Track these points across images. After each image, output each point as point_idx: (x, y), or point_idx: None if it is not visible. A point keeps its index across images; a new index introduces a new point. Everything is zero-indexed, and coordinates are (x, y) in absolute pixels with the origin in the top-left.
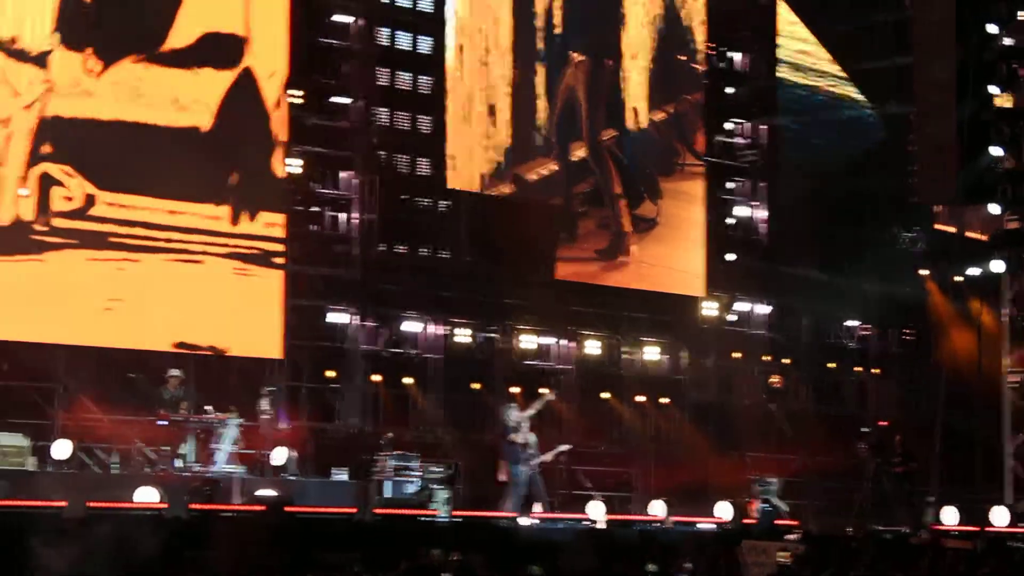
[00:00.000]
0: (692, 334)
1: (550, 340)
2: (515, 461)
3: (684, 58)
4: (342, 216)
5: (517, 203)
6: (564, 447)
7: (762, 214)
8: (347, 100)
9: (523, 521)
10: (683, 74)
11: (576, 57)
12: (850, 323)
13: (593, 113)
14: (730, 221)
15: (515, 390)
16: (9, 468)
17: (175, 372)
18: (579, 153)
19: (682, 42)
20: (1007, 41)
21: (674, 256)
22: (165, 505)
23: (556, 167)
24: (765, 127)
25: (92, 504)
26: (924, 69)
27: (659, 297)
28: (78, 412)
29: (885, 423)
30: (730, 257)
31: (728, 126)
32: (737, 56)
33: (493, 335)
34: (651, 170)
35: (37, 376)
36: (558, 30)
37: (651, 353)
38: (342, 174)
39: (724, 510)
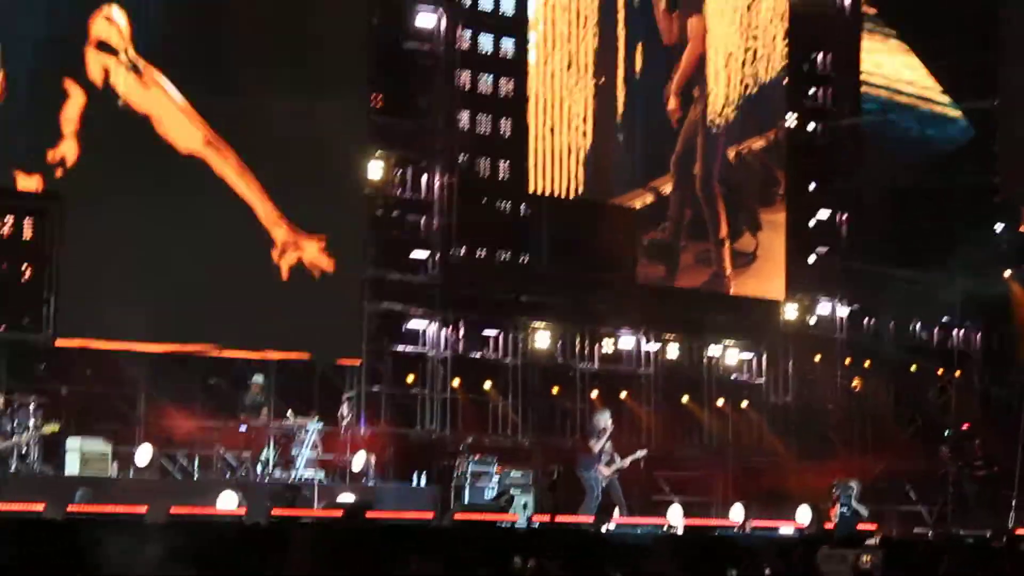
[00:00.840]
0: (772, 337)
1: (630, 344)
2: (588, 467)
3: (769, 79)
4: (422, 220)
5: (597, 205)
6: (641, 452)
7: (844, 215)
8: (427, 103)
9: (602, 527)
10: (775, 98)
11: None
12: (932, 324)
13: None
14: (811, 223)
15: (594, 394)
16: (92, 474)
17: (257, 378)
18: (666, 188)
19: (769, 63)
20: None
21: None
22: (245, 511)
23: (651, 198)
24: (847, 126)
25: (174, 510)
26: (1009, 66)
27: (739, 300)
28: (160, 418)
29: (967, 426)
30: (812, 259)
31: (811, 127)
32: (819, 56)
33: (572, 339)
34: (751, 202)
35: (119, 382)
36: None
37: (731, 357)
38: (422, 178)
39: (804, 515)
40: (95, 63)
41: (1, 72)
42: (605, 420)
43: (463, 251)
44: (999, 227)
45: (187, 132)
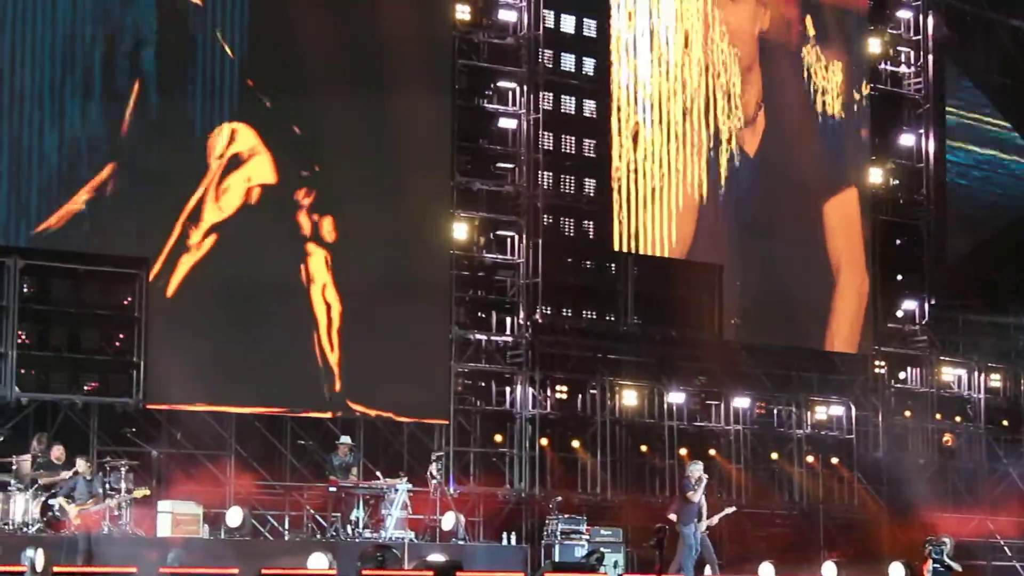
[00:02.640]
0: (862, 392)
1: (718, 400)
2: (688, 521)
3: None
4: (508, 281)
5: (681, 263)
6: (730, 509)
7: (930, 270)
8: (511, 164)
9: None
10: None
11: None
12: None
13: None
14: (899, 277)
15: (683, 451)
16: (183, 535)
17: (345, 439)
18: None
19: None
20: None
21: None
22: (335, 571)
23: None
24: (932, 182)
25: (265, 571)
26: None
27: (828, 356)
28: (250, 479)
29: None
30: (899, 313)
31: (895, 182)
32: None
33: (660, 397)
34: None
35: (209, 444)
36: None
37: (821, 412)
38: (507, 238)
39: (897, 572)
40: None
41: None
42: (699, 470)
43: (549, 309)
44: None
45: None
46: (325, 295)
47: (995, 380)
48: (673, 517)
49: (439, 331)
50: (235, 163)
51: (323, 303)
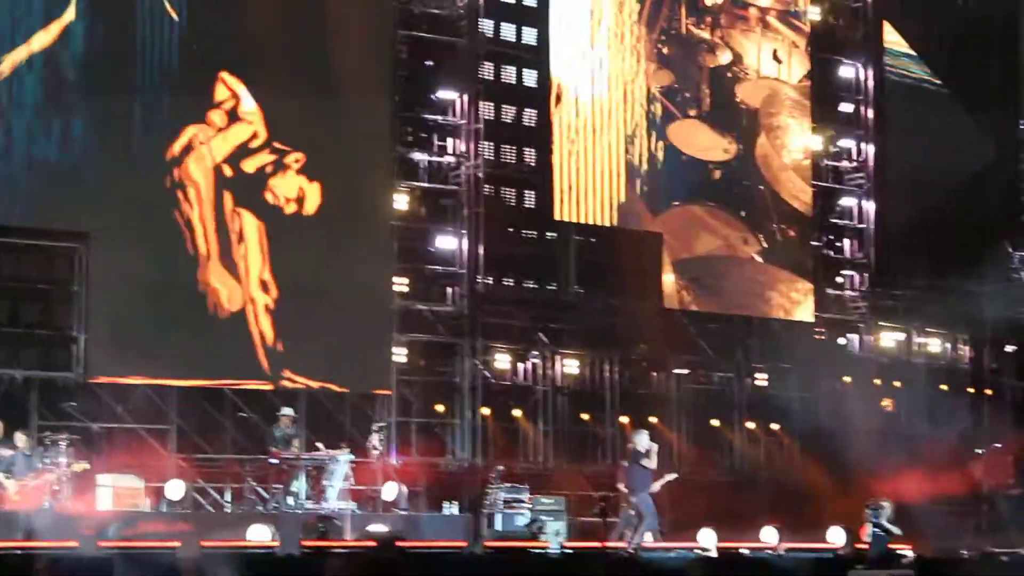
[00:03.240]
0: (802, 359)
1: (660, 367)
2: (643, 489)
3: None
4: (449, 251)
5: (622, 232)
6: (671, 476)
7: (870, 235)
8: (452, 134)
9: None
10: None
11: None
12: (962, 344)
13: None
14: (839, 244)
15: (624, 419)
16: (124, 509)
17: (287, 411)
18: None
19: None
20: None
21: (784, 282)
22: (278, 543)
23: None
24: (872, 149)
25: (206, 543)
26: None
27: (768, 322)
28: (191, 452)
29: (999, 444)
30: (840, 280)
31: (835, 148)
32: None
33: (601, 365)
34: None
35: (150, 417)
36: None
37: (761, 379)
38: (448, 209)
39: (837, 536)
40: None
41: None
42: (646, 439)
43: (490, 280)
44: None
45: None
46: (264, 266)
47: (934, 345)
48: (623, 487)
49: (380, 302)
50: None
51: (261, 274)
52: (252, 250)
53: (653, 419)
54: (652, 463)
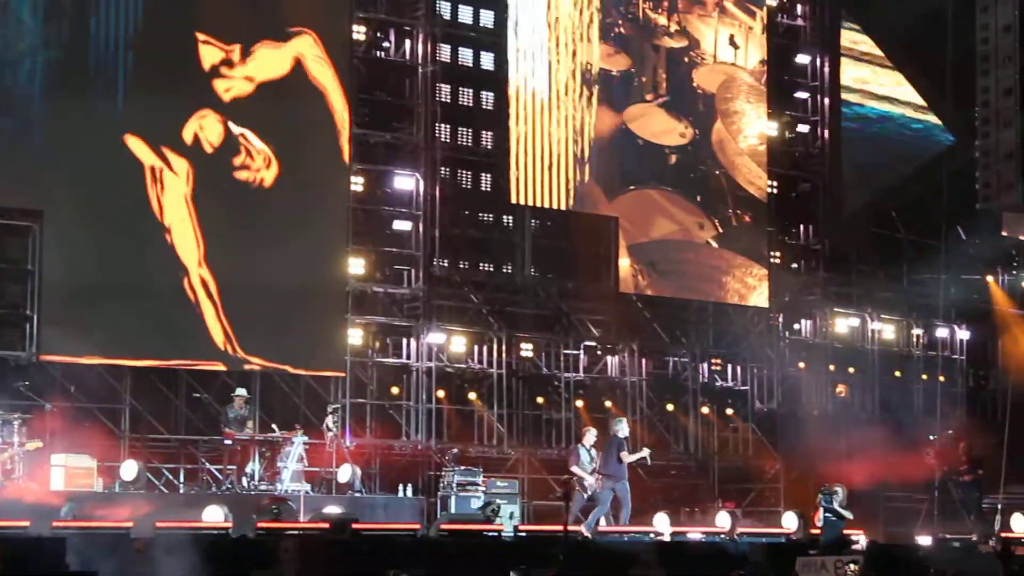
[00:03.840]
0: (757, 344)
1: (615, 352)
2: (623, 477)
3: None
4: (405, 233)
5: (578, 216)
6: (645, 451)
7: (825, 222)
8: (409, 117)
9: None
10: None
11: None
12: (916, 330)
13: None
14: (794, 230)
15: (579, 403)
16: (77, 489)
17: (240, 391)
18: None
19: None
20: None
21: (739, 268)
22: (231, 524)
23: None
24: (828, 135)
25: (160, 524)
26: (988, 75)
27: (723, 307)
28: (145, 433)
29: (951, 430)
30: (795, 266)
31: (791, 135)
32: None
33: (557, 349)
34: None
35: (104, 397)
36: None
37: (716, 364)
38: (404, 191)
39: (790, 521)
40: None
41: None
42: (626, 428)
43: (446, 262)
44: (981, 233)
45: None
46: (219, 246)
47: (888, 332)
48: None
49: (336, 283)
50: None
51: (216, 254)
52: (207, 229)
53: (608, 403)
54: (629, 456)
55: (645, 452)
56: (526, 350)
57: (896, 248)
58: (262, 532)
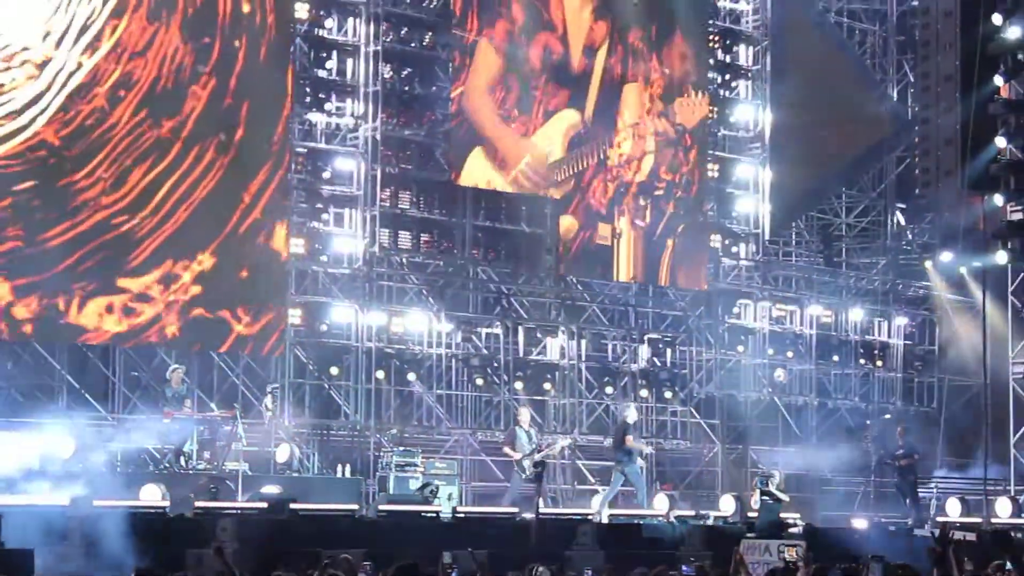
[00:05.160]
0: (696, 328)
1: (554, 334)
2: (633, 461)
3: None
4: (347, 213)
5: (520, 197)
6: (567, 440)
7: (765, 207)
8: (352, 96)
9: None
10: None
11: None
12: (854, 315)
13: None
14: (734, 214)
15: (518, 385)
16: (16, 467)
17: (177, 367)
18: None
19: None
20: (1013, 32)
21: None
22: (168, 503)
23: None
24: (769, 119)
25: (97, 503)
26: (929, 61)
27: (663, 291)
28: (82, 411)
29: (888, 416)
30: (735, 250)
31: (733, 119)
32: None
33: (496, 331)
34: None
35: (40, 375)
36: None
37: (655, 347)
38: (347, 170)
39: (728, 504)
40: None
41: None
42: (635, 413)
43: (388, 243)
44: (920, 219)
45: None
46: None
47: (826, 316)
48: (509, 452)
49: (276, 261)
50: None
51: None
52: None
53: (547, 386)
54: (636, 441)
55: (649, 449)
56: (466, 332)
57: (835, 233)
58: (200, 512)
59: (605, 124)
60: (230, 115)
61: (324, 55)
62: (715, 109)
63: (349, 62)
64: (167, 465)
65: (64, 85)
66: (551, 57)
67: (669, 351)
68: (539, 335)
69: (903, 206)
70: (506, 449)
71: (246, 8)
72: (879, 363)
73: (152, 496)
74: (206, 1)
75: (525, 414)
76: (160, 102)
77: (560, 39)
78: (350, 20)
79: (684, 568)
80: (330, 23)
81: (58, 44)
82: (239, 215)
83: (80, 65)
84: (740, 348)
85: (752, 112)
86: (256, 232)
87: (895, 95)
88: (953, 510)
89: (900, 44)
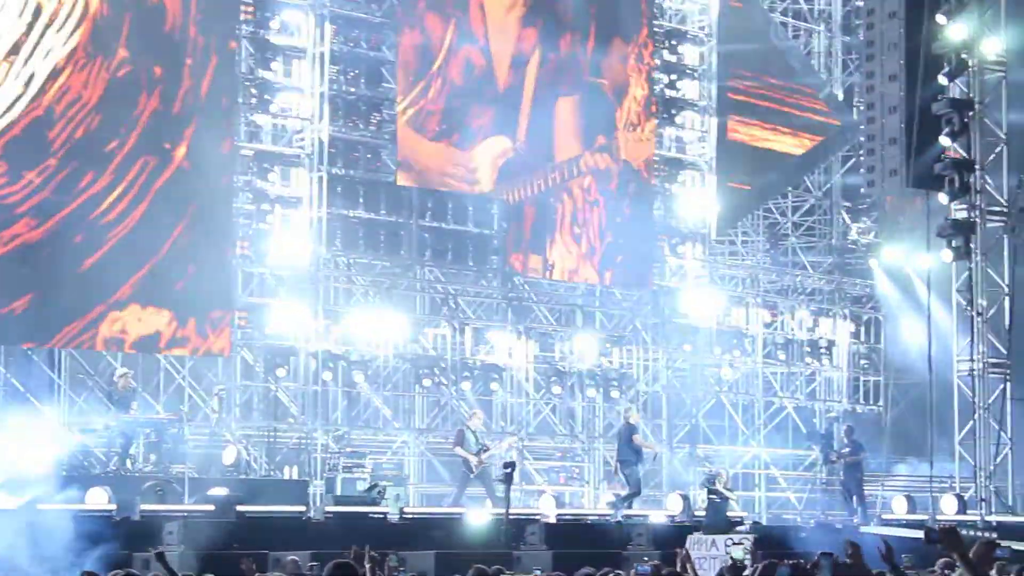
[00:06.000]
0: (643, 327)
1: (502, 336)
2: (639, 462)
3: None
4: (294, 214)
5: (468, 198)
6: (510, 439)
7: (710, 207)
8: (298, 99)
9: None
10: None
11: None
12: (800, 314)
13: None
14: (680, 215)
15: (466, 386)
16: None
17: (122, 369)
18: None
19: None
20: (956, 31)
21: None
22: (115, 506)
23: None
24: (714, 122)
25: (43, 507)
26: (874, 61)
27: (609, 291)
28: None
29: (834, 414)
30: (681, 251)
31: (679, 120)
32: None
33: (444, 332)
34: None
35: None
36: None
37: (602, 347)
38: (293, 172)
39: (674, 503)
40: None
41: None
42: (637, 416)
43: (336, 244)
44: (865, 219)
45: None
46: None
47: (772, 316)
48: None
49: (223, 263)
50: None
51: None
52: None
53: (494, 386)
54: (646, 442)
55: (658, 448)
56: (414, 332)
57: (781, 231)
58: (146, 514)
59: (539, 150)
60: (174, 129)
61: (270, 56)
62: (662, 132)
63: (295, 64)
64: (113, 468)
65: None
66: (473, 73)
67: (616, 351)
68: (486, 336)
69: (848, 205)
70: (457, 449)
71: (192, 30)
72: (825, 361)
73: (98, 499)
74: (151, 20)
75: (476, 420)
76: (105, 116)
77: (482, 51)
78: (297, 22)
79: (639, 567)
80: (276, 24)
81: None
82: (188, 220)
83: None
84: (687, 347)
85: (698, 114)
86: (201, 235)
87: (841, 95)
88: (899, 508)
89: (845, 44)
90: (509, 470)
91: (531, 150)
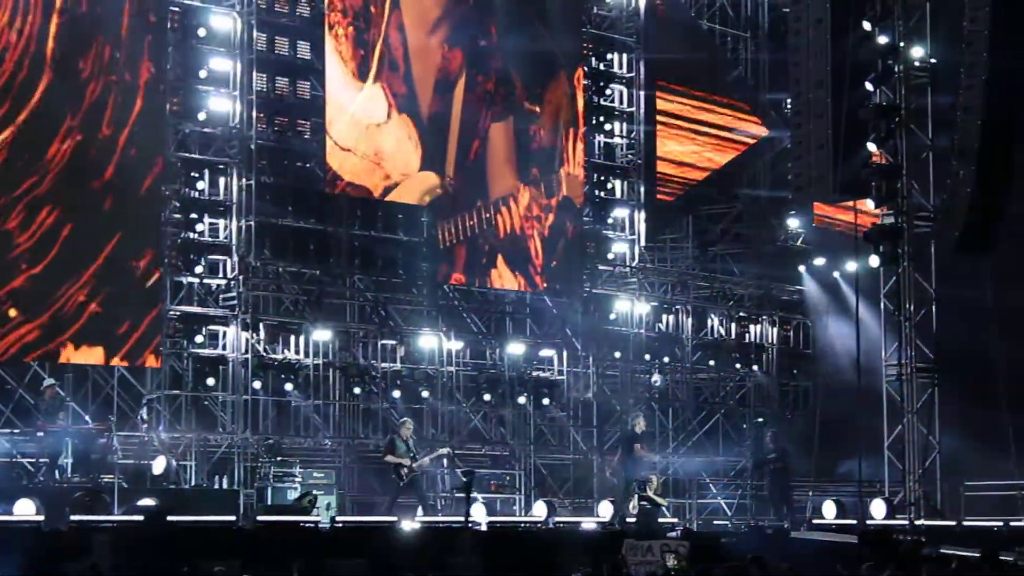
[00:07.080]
0: (574, 333)
1: (432, 343)
2: (642, 469)
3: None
4: (221, 223)
5: (397, 206)
6: (444, 450)
7: (640, 213)
8: (225, 105)
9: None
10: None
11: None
12: (730, 320)
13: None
14: (610, 220)
15: (396, 394)
16: None
17: (49, 381)
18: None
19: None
20: (882, 38)
21: (555, 257)
22: (43, 518)
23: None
24: (643, 129)
25: None
26: (801, 67)
27: (539, 297)
28: None
29: (762, 420)
30: (610, 255)
31: (608, 126)
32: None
33: (374, 340)
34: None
35: None
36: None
37: (532, 354)
38: (221, 180)
39: (606, 510)
40: None
41: None
42: (643, 423)
43: (265, 253)
44: (793, 223)
45: None
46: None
47: (702, 322)
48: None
49: (150, 273)
50: None
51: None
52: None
53: (425, 394)
54: (648, 450)
55: (656, 457)
56: (343, 341)
57: (710, 238)
58: (75, 525)
59: (472, 188)
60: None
61: (197, 63)
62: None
63: (223, 68)
64: (41, 479)
65: None
66: (396, 99)
67: (547, 357)
68: (417, 343)
69: (777, 211)
70: (388, 457)
71: (118, 54)
72: (755, 367)
73: (26, 510)
74: (78, 43)
75: (406, 429)
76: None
77: (403, 78)
78: (223, 27)
79: None
80: (203, 32)
81: None
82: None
83: None
84: (617, 354)
85: (626, 122)
86: (128, 245)
87: (767, 102)
88: (829, 512)
89: (772, 51)
90: (467, 479)
91: (463, 188)
